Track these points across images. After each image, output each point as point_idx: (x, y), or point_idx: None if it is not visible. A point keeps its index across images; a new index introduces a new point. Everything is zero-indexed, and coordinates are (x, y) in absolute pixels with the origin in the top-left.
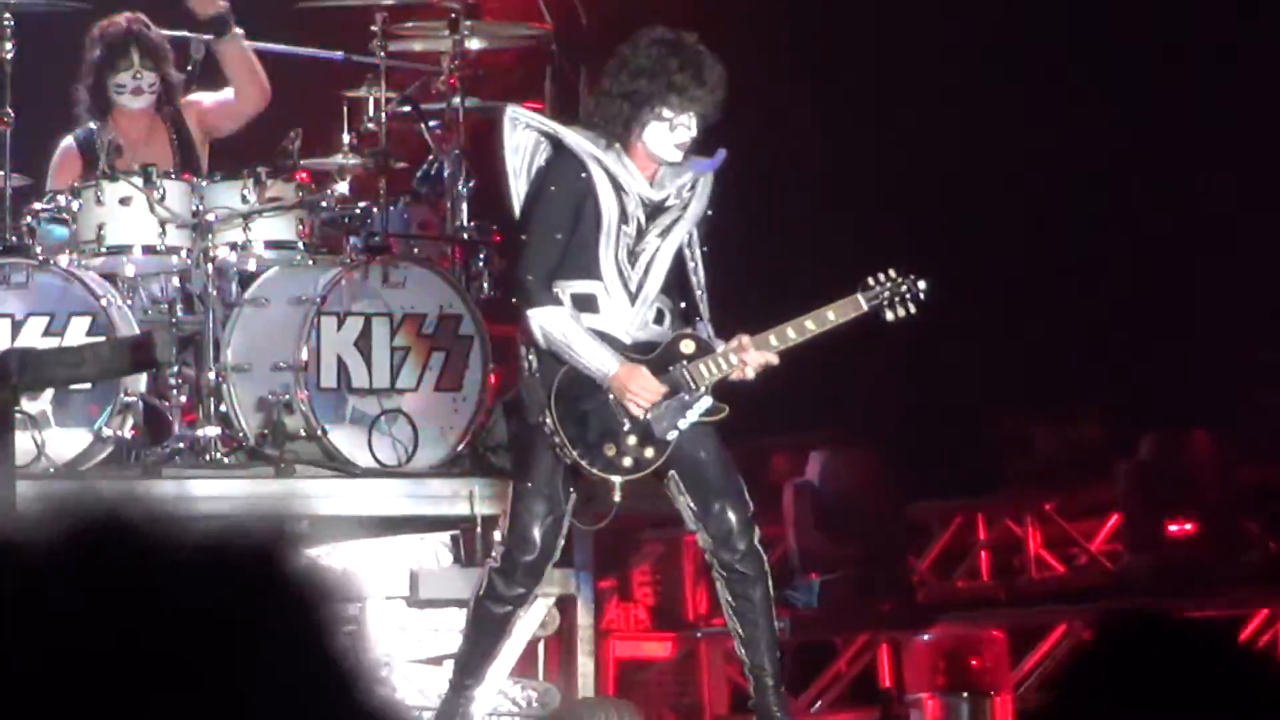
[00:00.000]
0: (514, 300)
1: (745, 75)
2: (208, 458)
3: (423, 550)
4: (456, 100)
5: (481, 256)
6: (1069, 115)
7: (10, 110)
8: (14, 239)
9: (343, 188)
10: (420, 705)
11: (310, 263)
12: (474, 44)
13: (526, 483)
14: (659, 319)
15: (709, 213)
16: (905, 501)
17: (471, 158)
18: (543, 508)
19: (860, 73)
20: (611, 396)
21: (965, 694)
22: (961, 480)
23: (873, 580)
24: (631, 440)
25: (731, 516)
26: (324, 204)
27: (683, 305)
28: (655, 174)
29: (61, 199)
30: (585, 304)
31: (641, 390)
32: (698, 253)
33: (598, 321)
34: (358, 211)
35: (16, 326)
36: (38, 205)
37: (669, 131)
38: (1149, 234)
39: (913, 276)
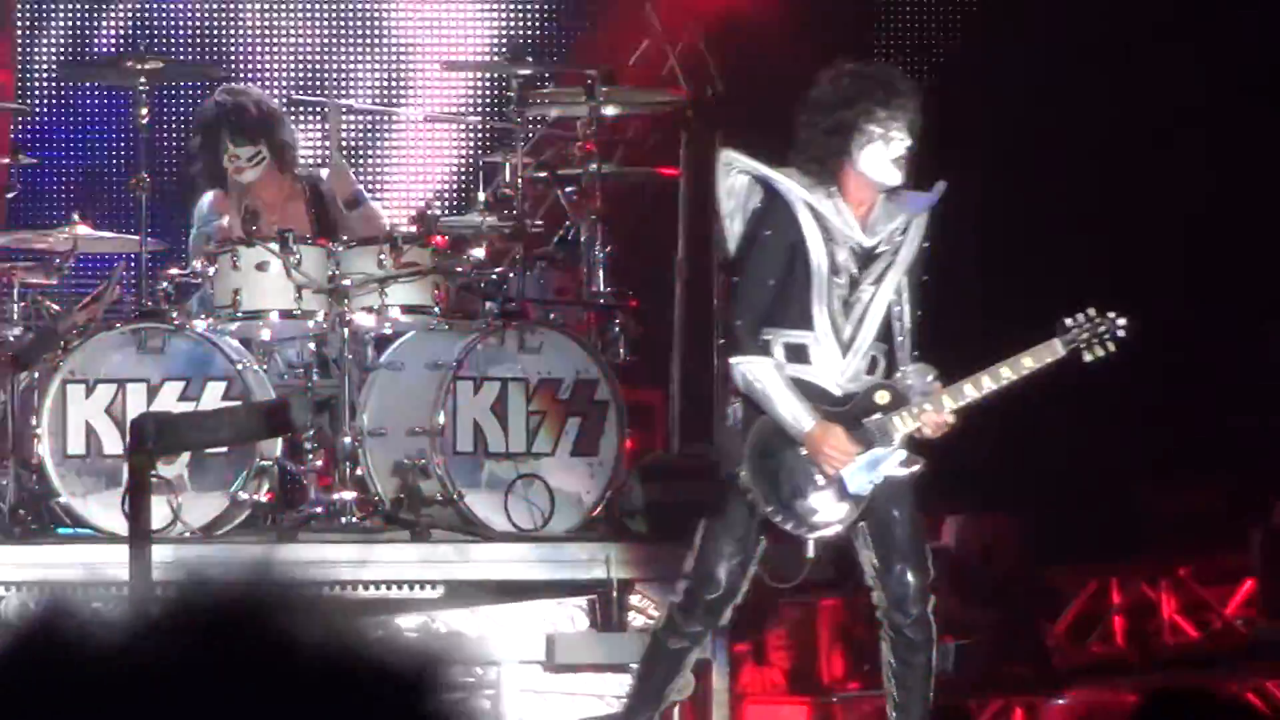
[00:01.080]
0: (724, 344)
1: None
2: (343, 522)
3: (559, 615)
4: (593, 166)
5: (617, 322)
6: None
7: (146, 175)
8: (150, 304)
9: (479, 253)
10: None
11: (446, 327)
12: (610, 110)
13: (718, 521)
14: (871, 368)
15: (926, 245)
16: (1040, 566)
17: (607, 223)
18: (731, 548)
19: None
20: (805, 453)
21: None
22: (1096, 545)
23: (1008, 645)
24: (826, 496)
25: (911, 580)
26: (460, 269)
27: (894, 350)
28: (870, 214)
29: (197, 265)
30: (797, 354)
31: (835, 451)
32: (904, 296)
33: (809, 372)
34: (494, 276)
35: (153, 391)
36: (173, 271)
37: (884, 147)
38: None
39: (1111, 315)
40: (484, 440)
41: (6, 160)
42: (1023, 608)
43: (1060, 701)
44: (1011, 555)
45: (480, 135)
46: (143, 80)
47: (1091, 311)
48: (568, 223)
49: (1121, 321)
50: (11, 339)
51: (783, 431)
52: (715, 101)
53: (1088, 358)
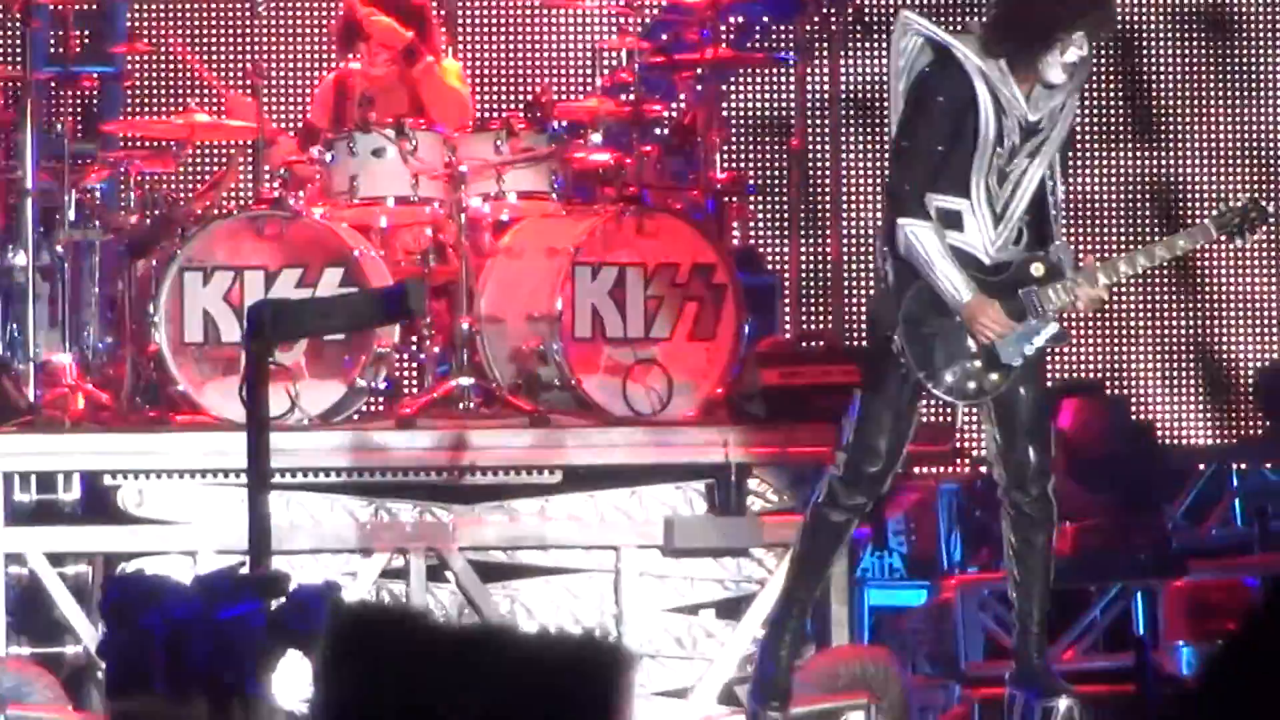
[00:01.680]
0: (886, 206)
1: None
2: (461, 407)
3: (677, 499)
4: (709, 50)
5: (734, 207)
6: None
7: (265, 63)
8: (267, 190)
9: (596, 138)
10: (676, 654)
11: (564, 213)
12: None
13: (876, 393)
14: (1017, 239)
15: (1074, 128)
16: (1159, 449)
17: (724, 107)
18: (889, 418)
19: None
20: (959, 320)
21: (1219, 641)
22: (1214, 427)
23: (1126, 528)
24: (976, 365)
25: (1032, 458)
26: (577, 155)
27: (1041, 226)
28: (1032, 90)
29: (315, 151)
30: (951, 220)
31: (992, 323)
32: (1058, 173)
33: (961, 239)
34: (610, 161)
35: (270, 278)
36: (292, 157)
37: (1061, 55)
38: None
39: (1261, 202)
40: (602, 325)
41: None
42: (1141, 491)
43: (1180, 585)
44: (1129, 438)
45: (597, 19)
46: None
47: (1240, 200)
48: (685, 107)
49: (1270, 208)
50: (129, 227)
51: (938, 298)
52: None
53: (1239, 241)
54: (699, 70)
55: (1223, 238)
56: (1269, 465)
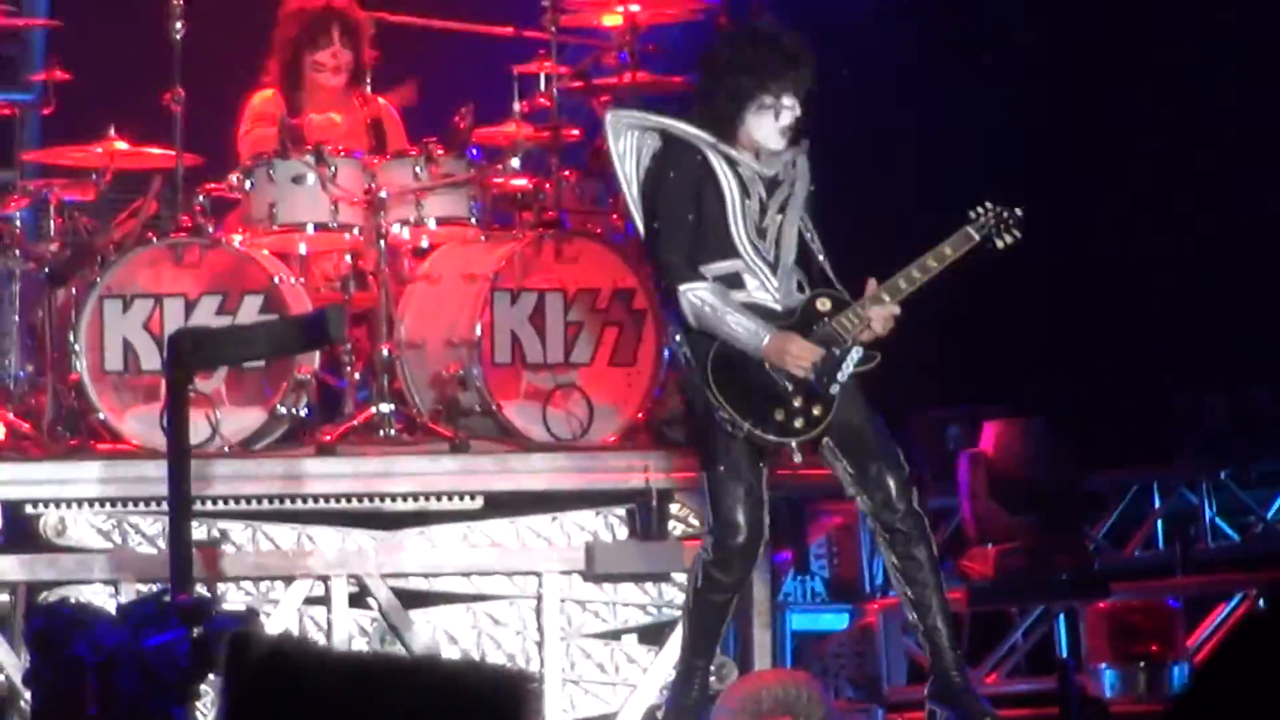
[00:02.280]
0: (661, 284)
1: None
2: (382, 434)
3: (598, 524)
4: (628, 74)
5: None
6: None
7: (181, 90)
8: (187, 218)
9: (515, 163)
10: (599, 680)
11: (483, 239)
12: (644, 16)
13: (718, 468)
14: (800, 289)
15: (812, 189)
16: (1080, 471)
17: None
18: (739, 489)
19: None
20: (767, 364)
21: (1142, 663)
22: (1136, 450)
23: (1048, 550)
24: (798, 401)
25: (889, 479)
26: (496, 180)
27: (812, 273)
28: (758, 155)
29: (234, 178)
30: (732, 281)
31: (800, 353)
32: (811, 226)
33: (747, 295)
34: (530, 187)
35: (190, 305)
36: (210, 185)
37: (774, 119)
38: None
39: (1008, 205)
40: (522, 351)
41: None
42: (1063, 513)
43: (1102, 606)
44: (1052, 460)
45: (515, 45)
46: None
47: (988, 203)
48: (603, 132)
49: (1019, 211)
50: (49, 255)
51: (738, 351)
52: (749, 5)
53: (999, 244)
54: (617, 94)
55: (984, 243)
56: (1189, 486)
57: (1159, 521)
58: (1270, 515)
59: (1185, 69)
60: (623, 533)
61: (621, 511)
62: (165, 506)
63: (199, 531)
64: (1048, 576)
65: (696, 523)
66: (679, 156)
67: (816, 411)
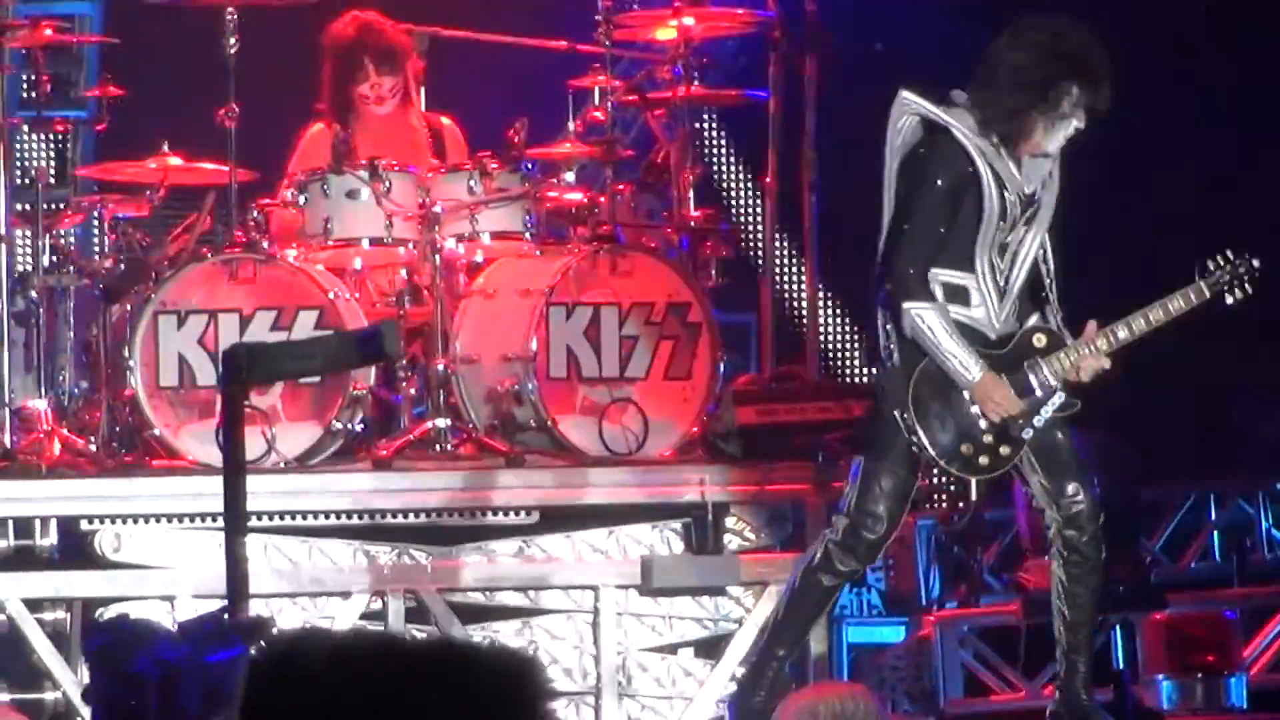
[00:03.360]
0: (887, 288)
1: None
2: (438, 449)
3: (654, 538)
4: (682, 88)
5: (708, 245)
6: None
7: (235, 105)
8: (240, 234)
9: (570, 177)
10: (655, 694)
11: (538, 253)
12: (698, 30)
13: (880, 460)
14: (1020, 313)
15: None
16: (1137, 482)
17: (697, 145)
18: (892, 485)
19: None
20: (968, 396)
21: (1199, 674)
22: (1193, 461)
23: (1105, 561)
24: (988, 439)
25: (1084, 499)
26: (551, 194)
27: (1035, 293)
28: (1022, 163)
29: (289, 194)
30: (957, 295)
31: (1003, 402)
32: (1048, 239)
33: (967, 314)
34: (584, 201)
35: (245, 321)
36: (265, 200)
37: (1060, 130)
38: None
39: (1247, 256)
40: (577, 365)
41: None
42: (1120, 524)
43: (1159, 617)
44: (1108, 471)
45: (569, 59)
46: (230, 9)
47: (1230, 253)
48: (657, 146)
49: (1256, 262)
50: (103, 271)
51: (946, 376)
52: (805, 20)
53: (1229, 300)
54: (671, 108)
55: (1215, 298)
56: (1245, 498)
57: (1215, 533)
58: None
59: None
60: (678, 547)
61: (677, 525)
62: (221, 523)
63: (255, 547)
64: (1105, 588)
65: (752, 537)
66: (951, 161)
67: (1004, 451)
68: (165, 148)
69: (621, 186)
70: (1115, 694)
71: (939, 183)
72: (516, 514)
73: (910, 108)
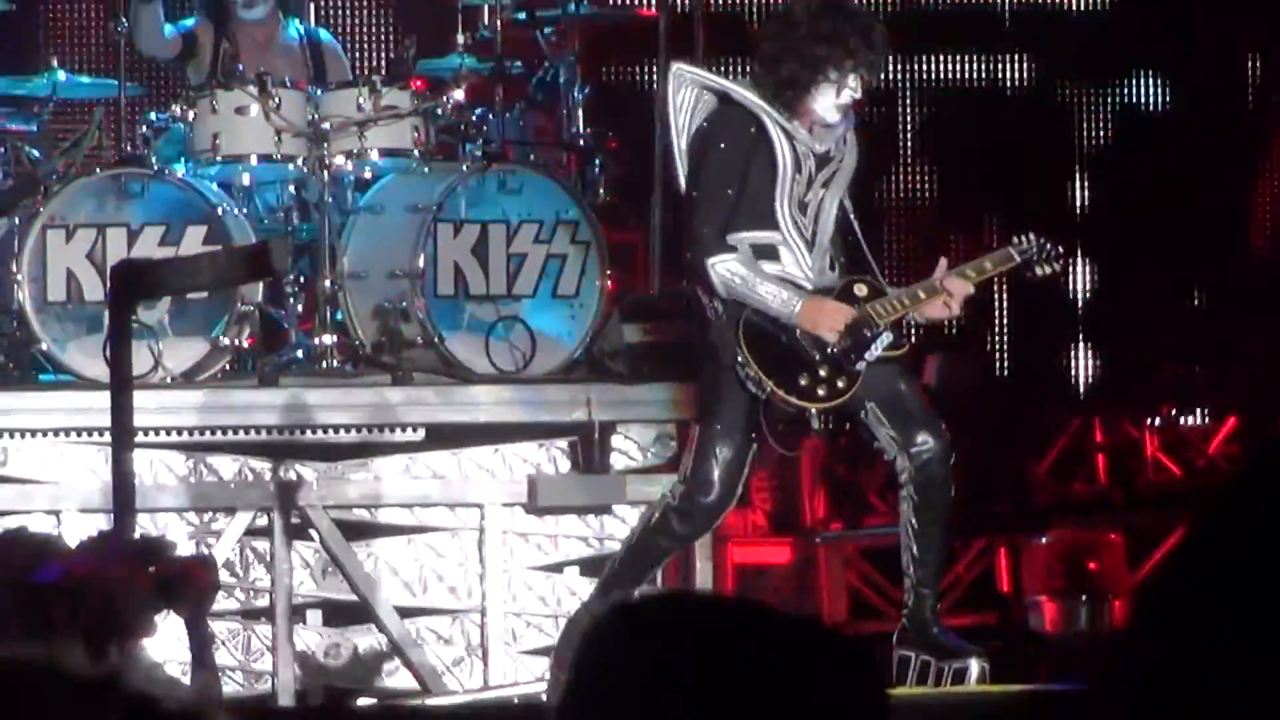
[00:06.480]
0: (689, 256)
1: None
2: (324, 366)
3: (541, 457)
4: (571, 6)
5: (597, 162)
6: None
7: (125, 19)
8: (129, 149)
9: (458, 95)
10: (541, 612)
11: (426, 170)
12: None
13: (715, 425)
14: (832, 266)
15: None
16: (1022, 405)
17: (586, 64)
18: (727, 451)
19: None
20: (799, 331)
21: (1084, 597)
22: (1079, 384)
23: (990, 484)
24: (824, 371)
25: (934, 445)
26: (439, 111)
27: (851, 252)
28: (811, 130)
29: (176, 109)
30: (766, 253)
31: (833, 314)
32: (849, 204)
33: (780, 269)
34: (473, 119)
35: (133, 236)
36: (153, 115)
37: (836, 95)
38: None
39: (1051, 242)
40: (464, 282)
41: None
42: (1004, 446)
43: (1044, 540)
44: (993, 393)
45: None
46: None
47: (1033, 235)
48: (546, 64)
49: (1060, 249)
50: None
51: (771, 320)
52: None
53: (1038, 272)
54: (561, 26)
55: (1024, 267)
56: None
57: (1101, 456)
58: (1212, 450)
59: None
60: (565, 465)
61: (564, 444)
62: (108, 438)
63: (141, 462)
64: (987, 510)
65: (639, 456)
66: (733, 123)
67: (840, 384)
68: (54, 62)
69: (510, 104)
70: (999, 616)
71: (722, 145)
72: (403, 431)
73: (686, 79)
